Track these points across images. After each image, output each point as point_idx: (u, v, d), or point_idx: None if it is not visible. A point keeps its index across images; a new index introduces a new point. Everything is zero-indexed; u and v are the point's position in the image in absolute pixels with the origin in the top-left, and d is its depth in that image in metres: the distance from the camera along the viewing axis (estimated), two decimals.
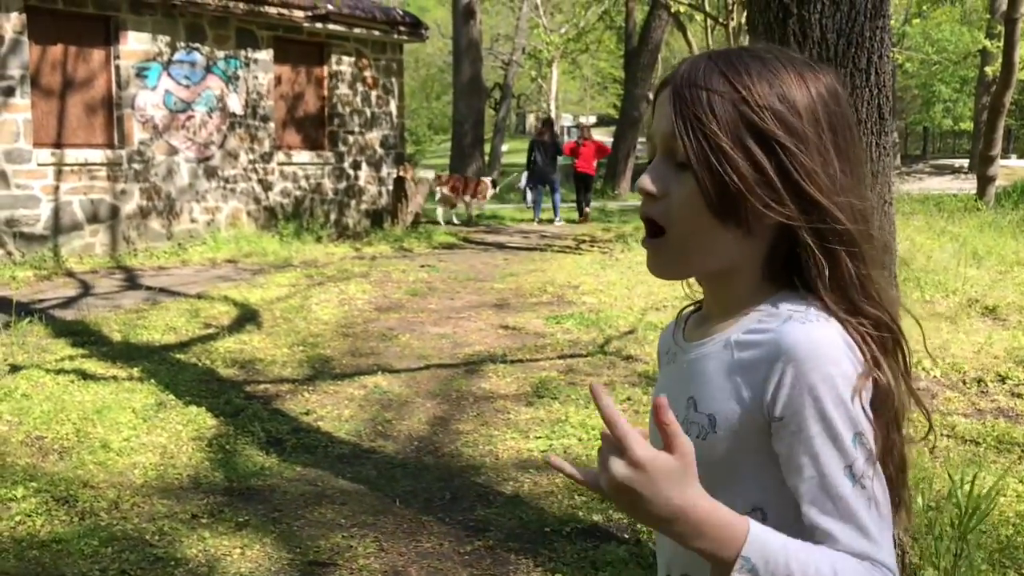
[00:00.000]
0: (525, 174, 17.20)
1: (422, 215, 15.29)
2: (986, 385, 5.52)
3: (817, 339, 0.99)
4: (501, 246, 12.85)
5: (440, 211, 15.82)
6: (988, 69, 23.01)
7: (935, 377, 5.65)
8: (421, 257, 11.44)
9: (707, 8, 11.03)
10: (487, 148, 28.71)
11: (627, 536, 3.67)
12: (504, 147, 36.30)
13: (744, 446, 1.03)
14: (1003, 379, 5.59)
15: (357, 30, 13.62)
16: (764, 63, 1.04)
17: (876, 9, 2.77)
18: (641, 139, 23.23)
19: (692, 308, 1.22)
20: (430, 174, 17.53)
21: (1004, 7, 16.89)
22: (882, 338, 1.03)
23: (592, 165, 16.60)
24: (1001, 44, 16.44)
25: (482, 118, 23.03)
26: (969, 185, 21.53)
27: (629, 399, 5.43)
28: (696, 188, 1.02)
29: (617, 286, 8.94)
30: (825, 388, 0.97)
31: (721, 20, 13.58)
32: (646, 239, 1.09)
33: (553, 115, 32.89)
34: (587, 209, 16.44)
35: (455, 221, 16.01)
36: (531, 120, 57.05)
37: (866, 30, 2.75)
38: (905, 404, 1.06)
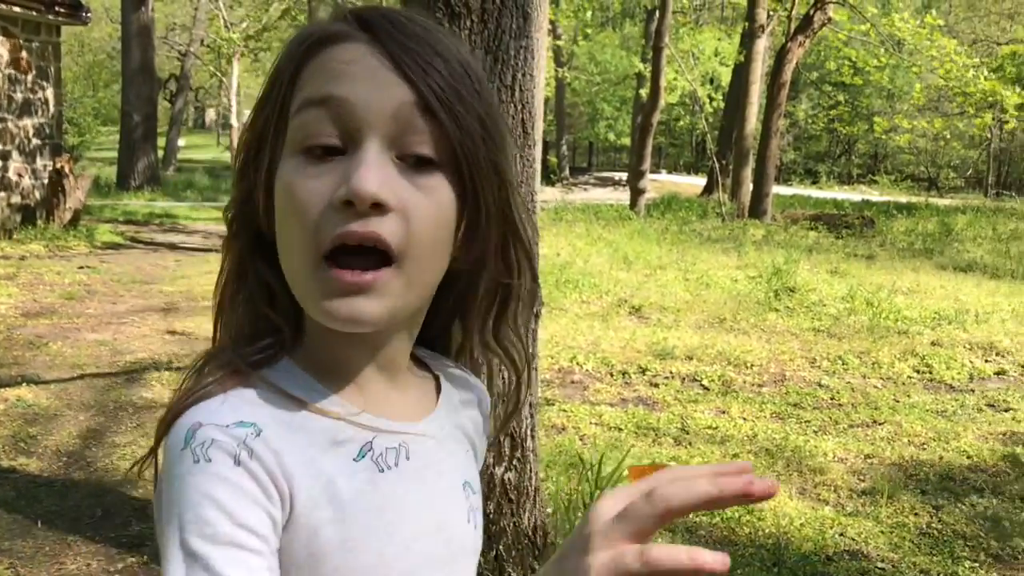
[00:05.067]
0: None
1: (83, 212, 14.09)
2: (630, 377, 6.12)
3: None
4: (173, 246, 12.18)
5: None
6: (642, 91, 25.42)
7: (587, 371, 6.17)
8: (81, 257, 10.55)
9: None
10: (162, 142, 27.08)
11: None
12: (181, 141, 34.45)
13: None
14: (644, 371, 6.22)
15: (3, 6, 12.27)
16: (443, 28, 0.82)
17: (520, 30, 2.98)
18: None
19: (267, 366, 0.77)
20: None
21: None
22: None
23: None
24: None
25: (155, 110, 21.70)
26: (626, 196, 23.65)
27: None
28: (451, 199, 0.73)
29: None
30: None
31: None
32: (360, 273, 0.69)
33: (235, 112, 31.67)
34: None
35: None
36: (211, 114, 54.66)
37: (511, 48, 2.94)
38: None
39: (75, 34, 30.50)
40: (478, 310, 0.84)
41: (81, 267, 9.53)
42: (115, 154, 21.84)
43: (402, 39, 0.71)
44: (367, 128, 0.69)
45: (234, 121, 31.21)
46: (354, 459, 0.75)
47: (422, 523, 0.78)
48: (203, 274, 9.59)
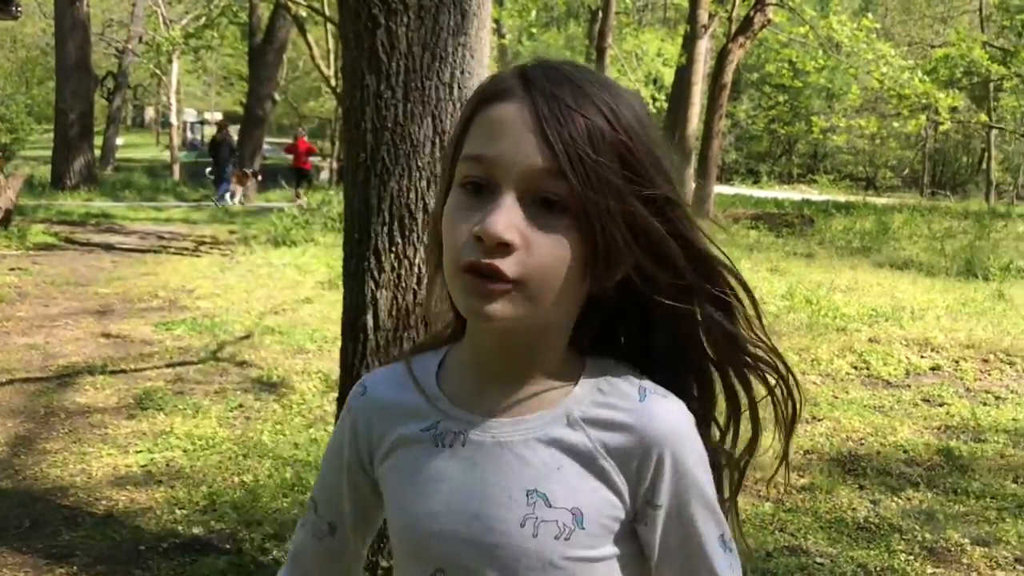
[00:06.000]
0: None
1: (15, 212, 13.68)
2: None
3: (680, 416, 0.94)
4: (110, 247, 11.89)
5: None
6: None
7: None
8: (12, 259, 10.23)
9: (327, 11, 11.05)
10: (99, 141, 26.47)
11: (228, 546, 3.56)
12: (119, 140, 33.71)
13: (608, 540, 0.93)
14: None
15: None
16: (611, 83, 0.91)
17: (459, 27, 2.94)
18: (271, 139, 22.80)
19: (421, 354, 1.03)
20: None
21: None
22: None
23: (306, 161, 20.16)
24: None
25: (91, 108, 21.19)
26: None
27: (241, 406, 5.29)
28: (575, 236, 0.86)
29: (236, 290, 8.67)
30: (701, 469, 0.94)
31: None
32: (481, 282, 0.85)
33: (175, 110, 31.12)
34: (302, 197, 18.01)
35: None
36: (150, 113, 53.62)
37: (449, 46, 2.91)
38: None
39: (6, 29, 29.71)
40: (681, 331, 0.97)
41: (12, 268, 9.26)
42: (50, 153, 21.26)
43: (552, 96, 0.85)
44: (505, 180, 0.85)
45: (174, 119, 30.70)
46: (421, 430, 0.96)
47: (457, 502, 0.93)
48: (140, 275, 9.38)
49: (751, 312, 0.99)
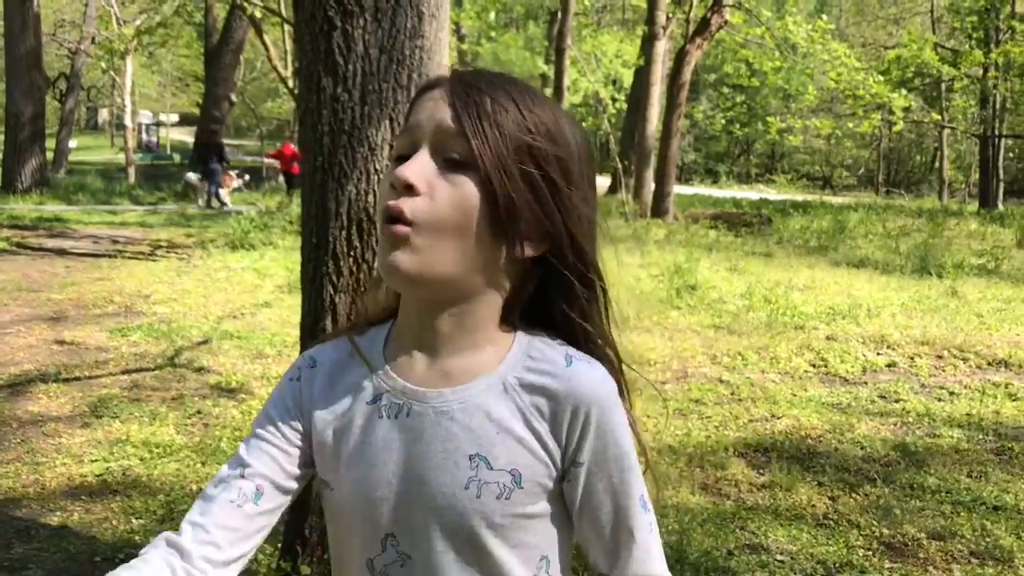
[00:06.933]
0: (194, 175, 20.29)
1: None
2: None
3: (604, 381, 1.00)
4: (63, 252, 11.67)
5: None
6: (546, 92, 25.53)
7: None
8: None
9: (283, 12, 10.95)
10: (51, 143, 25.98)
11: None
12: (72, 143, 33.11)
13: (543, 497, 0.99)
14: None
15: None
16: (536, 93, 1.00)
17: (415, 29, 2.92)
18: (229, 141, 22.50)
19: (365, 329, 1.09)
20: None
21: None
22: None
23: (294, 166, 19.58)
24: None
25: (43, 110, 20.74)
26: None
27: (199, 412, 5.21)
28: (475, 191, 0.93)
29: (193, 294, 8.56)
30: (622, 430, 1.00)
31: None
32: (388, 226, 0.93)
33: (129, 111, 30.64)
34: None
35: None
36: (104, 114, 52.79)
37: (406, 48, 2.89)
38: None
39: None
40: (564, 301, 1.03)
41: None
42: (0, 156, 20.83)
43: (467, 84, 0.96)
44: (422, 140, 0.95)
45: (128, 121, 30.22)
46: (367, 403, 1.01)
47: (405, 470, 0.98)
48: (94, 280, 9.23)
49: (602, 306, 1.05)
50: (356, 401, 1.02)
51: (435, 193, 0.92)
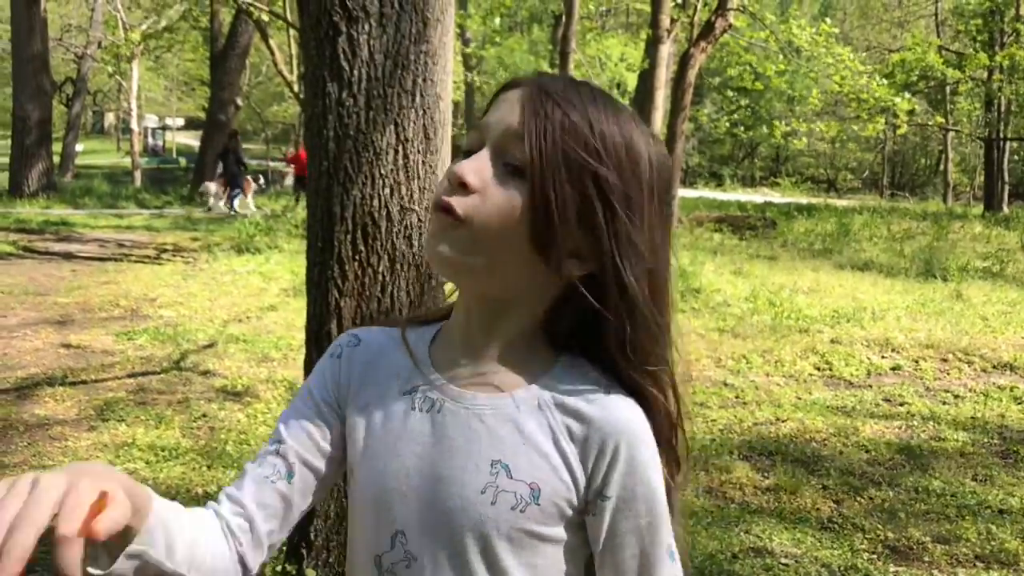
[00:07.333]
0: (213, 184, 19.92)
1: None
2: None
3: (640, 415, 0.97)
4: (70, 255, 11.71)
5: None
6: None
7: None
8: None
9: (289, 17, 10.98)
10: (58, 147, 26.08)
11: None
12: (79, 147, 33.23)
13: (559, 522, 0.96)
14: None
15: None
16: (615, 109, 0.97)
17: (420, 35, 2.94)
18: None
19: (418, 324, 1.09)
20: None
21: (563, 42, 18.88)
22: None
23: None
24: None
25: (50, 114, 20.82)
26: None
27: (205, 416, 5.23)
28: (525, 199, 0.91)
29: (199, 297, 8.58)
30: (653, 470, 0.96)
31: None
32: (440, 213, 0.93)
33: (135, 115, 30.72)
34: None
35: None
36: (110, 118, 52.94)
37: (411, 53, 2.90)
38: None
39: None
40: (602, 329, 0.98)
41: None
42: (7, 160, 20.91)
43: (543, 90, 0.94)
44: (488, 139, 0.95)
45: (135, 125, 30.30)
46: (403, 392, 1.01)
47: (425, 464, 0.97)
48: (100, 284, 9.26)
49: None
50: (392, 388, 1.02)
51: (487, 194, 0.92)
